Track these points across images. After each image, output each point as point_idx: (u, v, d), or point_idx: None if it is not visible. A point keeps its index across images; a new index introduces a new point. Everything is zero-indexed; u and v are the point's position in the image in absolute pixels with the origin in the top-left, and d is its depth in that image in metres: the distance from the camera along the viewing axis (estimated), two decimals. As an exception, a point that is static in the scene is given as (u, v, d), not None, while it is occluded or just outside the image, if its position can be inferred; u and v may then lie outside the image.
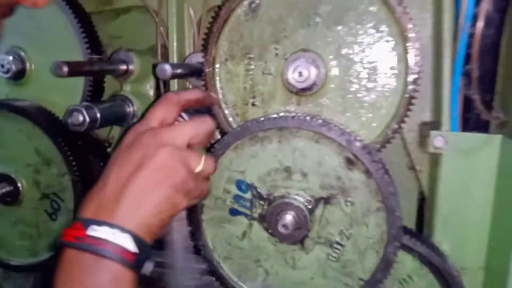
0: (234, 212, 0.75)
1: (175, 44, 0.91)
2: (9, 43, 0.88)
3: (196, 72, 0.84)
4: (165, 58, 0.94)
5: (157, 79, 0.93)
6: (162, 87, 0.93)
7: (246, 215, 0.74)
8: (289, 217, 0.70)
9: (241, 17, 0.76)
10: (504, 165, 0.71)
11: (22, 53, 0.87)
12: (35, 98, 0.88)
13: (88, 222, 0.56)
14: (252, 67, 0.76)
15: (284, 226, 0.70)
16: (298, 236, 0.72)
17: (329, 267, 0.73)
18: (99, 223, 0.55)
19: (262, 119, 0.69)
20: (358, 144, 0.66)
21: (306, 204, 0.71)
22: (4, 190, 0.87)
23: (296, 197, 0.71)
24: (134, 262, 0.56)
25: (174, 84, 0.93)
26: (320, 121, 0.66)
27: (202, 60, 0.80)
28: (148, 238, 0.58)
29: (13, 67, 0.86)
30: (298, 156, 0.69)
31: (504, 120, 0.71)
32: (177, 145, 0.61)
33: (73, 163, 0.80)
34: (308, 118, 0.67)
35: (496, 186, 0.73)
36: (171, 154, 0.60)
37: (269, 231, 0.74)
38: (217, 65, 0.78)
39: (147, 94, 0.93)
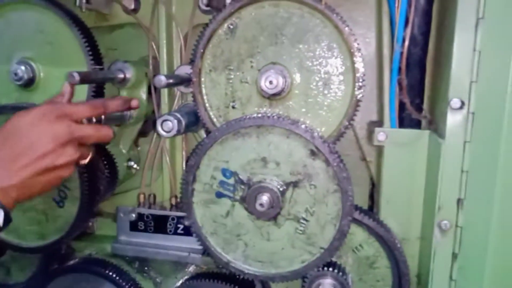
0: (219, 195, 0.91)
1: (165, 56, 1.07)
2: (21, 54, 1.01)
3: (184, 81, 0.99)
4: (156, 68, 1.09)
5: (149, 86, 1.08)
6: (153, 92, 1.08)
7: (229, 197, 0.90)
8: (265, 198, 0.86)
9: (221, 36, 0.91)
10: (431, 154, 0.90)
11: (33, 63, 1.00)
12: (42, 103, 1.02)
13: None
14: (232, 76, 0.92)
15: (261, 205, 0.86)
16: (272, 214, 0.88)
17: (297, 239, 0.90)
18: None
19: (243, 118, 0.85)
20: (319, 138, 0.83)
21: (278, 187, 0.87)
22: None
23: (271, 182, 0.87)
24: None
25: (165, 90, 1.08)
26: (290, 120, 0.83)
27: (189, 71, 0.96)
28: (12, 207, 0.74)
29: (25, 76, 0.99)
30: (272, 148, 0.86)
31: (431, 119, 0.91)
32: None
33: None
34: (280, 118, 0.83)
35: (426, 171, 0.92)
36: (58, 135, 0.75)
37: (249, 210, 0.89)
38: (202, 75, 0.94)
39: (141, 99, 1.07)
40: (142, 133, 1.16)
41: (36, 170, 0.75)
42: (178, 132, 0.90)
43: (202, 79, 0.93)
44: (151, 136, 1.16)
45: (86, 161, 0.85)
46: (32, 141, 0.75)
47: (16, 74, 0.99)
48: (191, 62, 0.94)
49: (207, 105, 0.94)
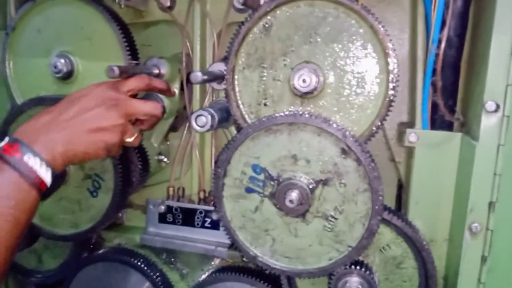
0: (249, 190, 0.92)
1: (198, 53, 1.09)
2: (61, 48, 1.05)
3: (217, 78, 1.01)
4: (188, 65, 1.12)
5: (182, 82, 1.11)
6: (186, 88, 1.11)
7: (259, 193, 0.92)
8: (294, 194, 0.87)
9: (256, 34, 0.93)
10: (463, 156, 0.90)
11: (72, 57, 1.04)
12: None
13: (26, 150, 0.71)
14: (265, 74, 0.94)
15: (291, 201, 0.87)
16: (301, 210, 0.89)
17: (325, 236, 0.91)
18: (35, 153, 0.72)
19: (276, 115, 0.87)
20: (351, 137, 0.84)
21: (308, 184, 0.89)
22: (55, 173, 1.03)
23: (301, 179, 0.89)
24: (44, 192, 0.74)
25: (197, 87, 1.11)
26: (321, 118, 0.85)
27: (223, 68, 0.98)
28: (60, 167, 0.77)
29: (64, 68, 1.03)
30: (303, 146, 0.87)
31: (463, 121, 0.91)
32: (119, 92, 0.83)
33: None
34: (313, 116, 0.85)
35: (457, 173, 0.92)
36: (119, 115, 0.81)
37: (277, 206, 0.91)
38: (236, 73, 0.95)
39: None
40: (173, 128, 1.18)
41: (80, 123, 0.78)
42: (211, 128, 0.92)
43: (236, 76, 0.95)
44: (181, 131, 1.18)
45: (131, 139, 0.86)
46: (80, 99, 0.81)
47: (55, 66, 1.03)
48: (225, 59, 0.96)
49: (239, 102, 0.96)
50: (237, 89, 0.96)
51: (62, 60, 1.02)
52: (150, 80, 0.92)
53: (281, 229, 0.93)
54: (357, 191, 0.87)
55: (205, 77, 0.93)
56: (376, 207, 0.86)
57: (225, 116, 0.99)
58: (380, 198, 0.85)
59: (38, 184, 0.72)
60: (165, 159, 1.17)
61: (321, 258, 0.92)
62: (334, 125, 0.84)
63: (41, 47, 1.07)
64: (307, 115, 0.85)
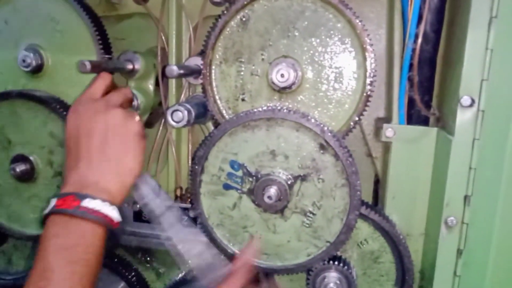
0: (227, 187, 0.91)
1: (174, 47, 1.06)
2: (30, 41, 1.00)
3: (194, 72, 0.99)
4: (164, 59, 1.09)
5: (157, 77, 1.08)
6: (161, 84, 1.08)
7: (237, 189, 0.91)
8: (273, 190, 0.87)
9: (233, 28, 0.91)
10: (439, 151, 0.91)
11: (41, 51, 0.99)
12: (49, 90, 1.01)
13: (81, 196, 0.70)
14: (243, 69, 0.92)
15: (269, 197, 0.86)
16: (279, 206, 0.89)
17: (303, 232, 0.91)
18: (92, 196, 0.70)
19: (254, 110, 0.85)
20: (329, 132, 0.84)
21: (287, 180, 0.88)
22: (21, 169, 0.99)
23: (279, 175, 0.88)
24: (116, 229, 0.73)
25: (173, 81, 1.08)
26: (300, 114, 0.84)
27: (199, 62, 0.96)
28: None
29: (33, 62, 0.98)
30: (282, 141, 0.86)
31: (439, 116, 0.91)
32: (120, 107, 0.79)
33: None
34: (291, 111, 0.84)
35: (433, 168, 0.93)
36: (123, 116, 0.77)
37: (256, 202, 0.90)
38: (213, 67, 0.94)
39: (148, 90, 1.07)
40: (148, 124, 1.16)
41: (109, 154, 0.76)
42: (188, 123, 0.90)
43: (213, 70, 0.94)
44: (157, 127, 1.15)
45: (137, 118, 0.81)
46: (87, 135, 0.76)
47: (24, 60, 0.98)
48: (202, 53, 0.94)
49: (216, 97, 0.94)
50: (214, 84, 0.94)
51: (31, 54, 0.98)
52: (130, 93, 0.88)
53: (259, 226, 0.92)
54: (335, 186, 0.87)
55: (181, 71, 0.91)
56: (354, 202, 0.86)
57: (202, 111, 0.97)
58: (358, 193, 0.86)
59: (107, 221, 0.71)
60: None
61: (300, 254, 0.92)
62: (313, 120, 0.84)
63: (8, 39, 1.02)
64: (285, 110, 0.84)
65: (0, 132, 1.02)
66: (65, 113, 0.95)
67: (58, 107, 0.96)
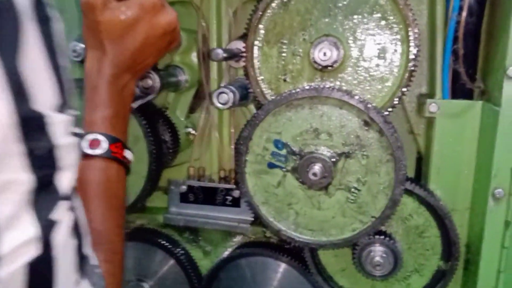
0: (271, 166, 0.94)
1: (215, 32, 1.09)
2: (78, 31, 1.05)
3: (235, 56, 1.02)
4: (205, 45, 1.12)
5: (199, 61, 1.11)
6: (202, 69, 1.11)
7: (281, 168, 0.93)
8: (317, 167, 0.89)
9: (275, 10, 0.93)
10: (484, 125, 0.90)
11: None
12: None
13: (124, 145, 0.72)
14: (284, 50, 0.94)
15: (314, 174, 0.88)
16: (324, 183, 0.90)
17: (348, 208, 0.92)
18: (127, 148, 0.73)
19: (297, 90, 0.87)
20: (373, 109, 0.85)
21: (331, 157, 0.89)
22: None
23: (323, 152, 0.90)
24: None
25: (214, 66, 1.11)
26: (343, 91, 0.85)
27: (240, 46, 0.98)
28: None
29: (83, 53, 1.04)
30: (325, 119, 0.88)
31: (484, 89, 0.91)
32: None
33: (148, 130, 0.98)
34: (334, 89, 0.85)
35: (478, 142, 0.93)
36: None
37: (300, 180, 0.92)
38: (255, 49, 0.96)
39: (193, 63, 1.12)
40: (191, 109, 1.19)
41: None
42: (233, 105, 0.93)
43: (255, 53, 0.96)
44: (199, 112, 1.19)
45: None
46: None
47: (75, 51, 1.03)
48: (243, 36, 0.96)
49: (259, 78, 0.96)
50: (256, 65, 0.96)
51: (82, 44, 1.03)
52: None
53: (304, 203, 0.94)
54: (380, 162, 0.88)
55: (225, 54, 0.93)
56: (400, 177, 0.87)
57: (245, 93, 1.00)
58: (403, 167, 0.86)
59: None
60: (193, 131, 1.17)
61: (345, 230, 0.93)
62: (356, 97, 0.85)
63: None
64: (328, 88, 0.86)
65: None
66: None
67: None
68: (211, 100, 0.94)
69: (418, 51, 0.84)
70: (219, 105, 0.92)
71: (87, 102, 0.72)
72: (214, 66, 1.10)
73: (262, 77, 0.97)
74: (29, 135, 0.41)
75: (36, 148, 0.42)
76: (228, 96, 0.92)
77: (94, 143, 0.70)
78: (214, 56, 0.90)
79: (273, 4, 0.93)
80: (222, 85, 1.04)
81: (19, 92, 0.40)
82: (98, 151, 0.70)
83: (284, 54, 0.94)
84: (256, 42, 0.95)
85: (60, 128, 0.45)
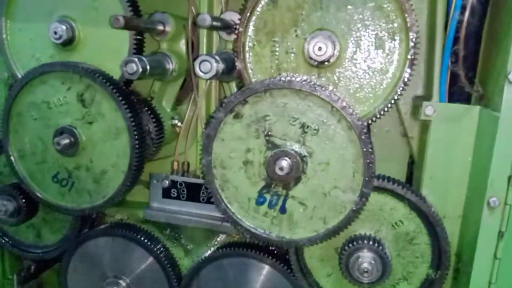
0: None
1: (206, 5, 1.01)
2: (62, 12, 0.99)
3: (228, 27, 0.96)
4: (194, 33, 1.06)
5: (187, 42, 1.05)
6: (190, 47, 1.05)
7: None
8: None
9: (264, 7, 0.88)
10: (481, 130, 0.87)
11: (73, 23, 0.98)
12: (82, 62, 1.00)
13: None
14: (277, 48, 0.89)
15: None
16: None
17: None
18: None
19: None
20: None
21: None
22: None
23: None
24: None
25: (203, 35, 1.03)
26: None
27: (235, 17, 0.93)
28: None
29: (64, 35, 0.97)
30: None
31: (482, 94, 0.88)
32: None
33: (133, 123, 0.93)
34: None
35: (474, 148, 0.90)
36: None
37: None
38: (246, 51, 0.90)
39: (181, 52, 1.06)
40: (177, 101, 1.14)
41: None
42: (216, 74, 0.85)
43: (247, 54, 0.91)
44: (186, 104, 1.14)
45: None
46: None
47: (56, 32, 0.97)
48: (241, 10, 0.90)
49: (253, 80, 0.92)
50: (249, 67, 0.92)
51: (64, 26, 0.97)
52: None
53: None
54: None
55: (214, 23, 0.87)
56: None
57: (230, 67, 0.92)
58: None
59: None
60: (179, 123, 1.12)
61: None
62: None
63: (41, 9, 1.01)
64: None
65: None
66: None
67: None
68: (193, 69, 0.88)
69: (416, 38, 0.80)
70: (201, 74, 0.85)
71: None
72: (203, 46, 1.03)
73: (256, 79, 0.92)
74: None
75: None
76: (211, 65, 0.85)
77: None
78: (200, 21, 0.83)
79: (262, 2, 0.88)
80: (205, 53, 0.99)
81: None
82: None
83: (277, 53, 0.90)
84: (246, 43, 0.90)
85: None
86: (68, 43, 1.00)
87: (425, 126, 0.95)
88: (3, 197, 1.09)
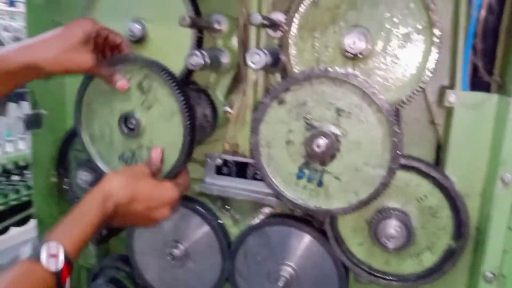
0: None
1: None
2: (135, 13, 1.18)
3: (274, 25, 1.10)
4: (245, 32, 1.22)
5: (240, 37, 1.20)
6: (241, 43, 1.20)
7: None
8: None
9: (306, 8, 1.04)
10: (499, 116, 0.97)
11: (145, 23, 1.17)
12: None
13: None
14: (317, 43, 1.04)
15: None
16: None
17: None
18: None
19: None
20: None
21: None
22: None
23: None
24: None
25: (252, 33, 1.17)
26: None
27: (281, 17, 1.07)
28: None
29: (138, 33, 1.16)
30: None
31: (501, 84, 0.98)
32: None
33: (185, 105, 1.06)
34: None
35: (493, 132, 1.00)
36: None
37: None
38: (290, 46, 1.06)
39: (233, 48, 1.22)
40: (230, 90, 1.30)
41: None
42: (265, 66, 1.00)
43: (290, 49, 1.06)
44: (236, 94, 1.30)
45: None
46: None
47: (131, 31, 1.16)
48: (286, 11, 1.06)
49: (295, 71, 1.06)
50: (292, 59, 1.07)
51: (138, 26, 1.16)
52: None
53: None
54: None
55: (264, 21, 1.02)
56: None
57: (276, 60, 1.06)
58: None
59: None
60: (230, 111, 1.27)
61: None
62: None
63: (120, 10, 1.20)
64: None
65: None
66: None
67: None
68: (245, 61, 1.03)
69: (440, 33, 0.92)
70: (251, 65, 1.00)
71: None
72: (252, 34, 1.17)
73: (298, 69, 1.07)
74: None
75: None
76: (260, 57, 0.99)
77: (53, 255, 0.75)
78: (253, 20, 0.99)
79: (304, 2, 1.03)
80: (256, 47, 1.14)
81: None
82: (51, 266, 0.75)
83: (317, 48, 1.04)
84: (290, 39, 1.06)
85: None
86: (139, 41, 1.19)
87: (449, 113, 1.06)
88: (85, 168, 1.31)
